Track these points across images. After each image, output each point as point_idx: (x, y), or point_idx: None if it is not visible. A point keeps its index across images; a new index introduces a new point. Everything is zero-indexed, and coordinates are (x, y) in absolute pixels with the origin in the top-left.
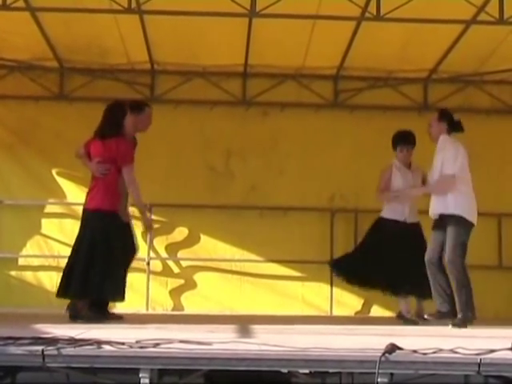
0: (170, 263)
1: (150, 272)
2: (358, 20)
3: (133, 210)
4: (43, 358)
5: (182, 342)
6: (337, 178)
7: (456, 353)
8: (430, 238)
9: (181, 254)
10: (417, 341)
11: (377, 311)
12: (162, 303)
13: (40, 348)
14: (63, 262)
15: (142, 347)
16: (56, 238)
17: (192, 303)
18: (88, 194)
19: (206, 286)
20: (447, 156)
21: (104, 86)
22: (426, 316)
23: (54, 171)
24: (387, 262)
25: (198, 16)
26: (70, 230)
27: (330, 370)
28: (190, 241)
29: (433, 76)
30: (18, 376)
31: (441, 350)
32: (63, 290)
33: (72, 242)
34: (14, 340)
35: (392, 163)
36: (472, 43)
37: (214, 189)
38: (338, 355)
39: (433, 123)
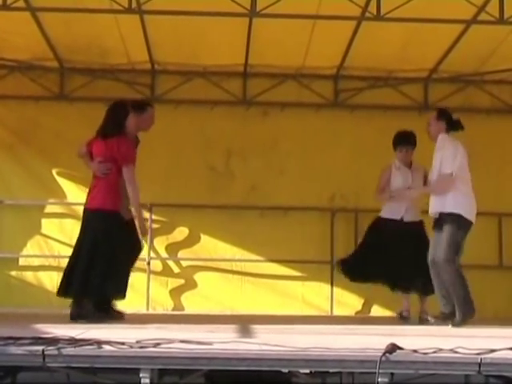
0: (171, 263)
1: (151, 272)
2: (358, 20)
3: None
4: (43, 358)
5: (182, 341)
6: (337, 178)
7: (456, 352)
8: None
9: (181, 253)
10: (417, 340)
11: (377, 311)
12: (163, 303)
13: (40, 348)
14: (63, 262)
15: (142, 347)
16: (56, 237)
17: (192, 303)
18: (89, 193)
19: (206, 286)
20: (446, 155)
21: (104, 86)
22: (429, 318)
23: (54, 171)
24: (387, 260)
25: (198, 16)
26: (70, 230)
27: (331, 370)
28: (191, 241)
29: (433, 76)
30: (19, 376)
31: (441, 350)
32: (64, 289)
33: (72, 241)
34: (15, 340)
35: (392, 163)
36: (472, 43)
37: (214, 189)
38: (338, 355)
39: (431, 122)
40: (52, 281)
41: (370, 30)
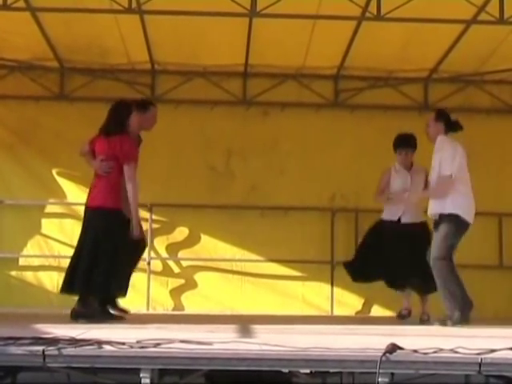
0: (171, 263)
1: (151, 272)
2: (358, 20)
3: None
4: (44, 358)
5: (182, 341)
6: (337, 178)
7: (457, 352)
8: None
9: (181, 253)
10: (417, 340)
11: (377, 311)
12: (163, 303)
13: (41, 348)
14: (63, 262)
15: (142, 347)
16: (56, 237)
17: (192, 303)
18: (90, 192)
19: (206, 286)
20: (445, 156)
21: (104, 86)
22: (432, 321)
23: (54, 171)
24: (384, 260)
25: (198, 16)
26: (71, 229)
27: (331, 370)
28: (191, 241)
29: (433, 76)
30: (19, 376)
31: (441, 350)
32: (67, 286)
33: (72, 241)
34: (15, 340)
35: (392, 166)
36: (472, 43)
37: (214, 189)
38: (338, 355)
39: (430, 123)
40: (52, 281)
41: (370, 30)
